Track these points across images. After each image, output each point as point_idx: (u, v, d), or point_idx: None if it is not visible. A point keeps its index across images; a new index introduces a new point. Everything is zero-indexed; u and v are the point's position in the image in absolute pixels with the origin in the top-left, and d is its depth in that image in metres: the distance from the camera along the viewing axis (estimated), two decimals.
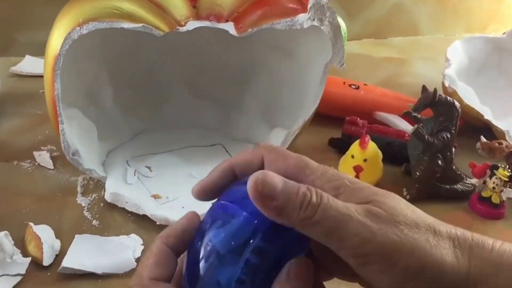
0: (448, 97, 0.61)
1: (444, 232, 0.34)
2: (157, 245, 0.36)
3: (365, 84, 0.79)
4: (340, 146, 0.72)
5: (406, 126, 0.74)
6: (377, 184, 0.64)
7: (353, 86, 0.78)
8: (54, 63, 0.55)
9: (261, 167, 0.37)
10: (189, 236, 0.35)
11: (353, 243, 0.32)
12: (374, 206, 0.34)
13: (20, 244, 0.54)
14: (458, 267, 0.33)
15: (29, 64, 0.90)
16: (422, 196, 0.64)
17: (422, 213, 0.35)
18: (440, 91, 0.62)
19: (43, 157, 0.69)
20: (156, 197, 0.61)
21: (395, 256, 0.32)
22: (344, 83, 0.79)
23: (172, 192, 0.62)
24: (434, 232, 0.34)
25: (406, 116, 0.65)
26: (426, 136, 0.61)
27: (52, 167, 0.67)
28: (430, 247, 0.33)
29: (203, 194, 0.38)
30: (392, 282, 0.33)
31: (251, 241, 0.32)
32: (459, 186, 0.65)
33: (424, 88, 0.62)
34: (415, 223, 0.34)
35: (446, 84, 0.76)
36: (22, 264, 0.51)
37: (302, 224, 0.33)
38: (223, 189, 0.36)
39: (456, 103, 0.61)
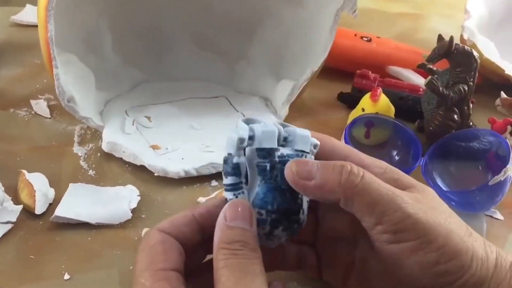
0: (466, 46, 0.57)
1: (474, 232, 0.36)
2: (183, 211, 0.37)
3: (377, 37, 0.76)
4: (350, 101, 0.69)
5: (420, 81, 0.70)
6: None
7: (365, 39, 0.75)
8: (47, 2, 0.52)
9: None
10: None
11: (393, 218, 0.33)
12: (414, 192, 0.36)
13: (13, 192, 0.52)
14: (487, 262, 0.34)
15: (29, 14, 0.87)
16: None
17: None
18: None
19: (40, 106, 0.66)
20: (154, 147, 0.58)
21: (431, 235, 0.33)
22: (355, 35, 0.75)
23: (172, 143, 0.59)
24: (466, 227, 0.35)
25: (421, 68, 0.62)
26: (440, 88, 0.57)
27: (49, 116, 0.65)
28: (465, 236, 0.34)
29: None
30: (422, 262, 0.33)
31: None
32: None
33: (440, 37, 0.59)
34: (451, 214, 0.36)
35: (465, 37, 0.72)
36: (13, 211, 0.49)
37: (346, 194, 0.34)
38: None
39: (475, 53, 0.57)
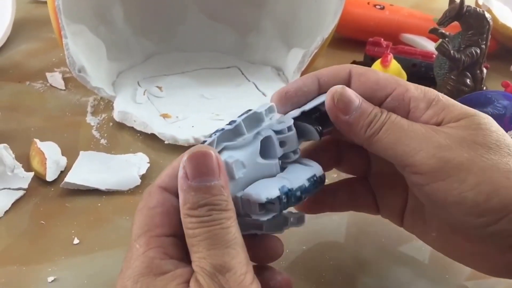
0: (478, 8, 0.56)
1: None
2: (178, 158, 0.33)
3: (391, 5, 0.74)
4: None
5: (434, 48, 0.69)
6: None
7: (378, 7, 0.74)
8: None
9: (347, 80, 0.36)
10: None
11: (417, 159, 0.31)
12: (459, 125, 0.33)
13: (25, 160, 0.53)
14: None
15: None
16: None
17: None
18: None
19: (55, 78, 0.67)
20: (165, 116, 0.59)
21: (464, 172, 0.30)
22: (368, 3, 0.74)
23: (182, 112, 0.60)
24: None
25: (433, 33, 0.61)
26: (451, 51, 0.56)
27: (64, 88, 0.66)
28: (507, 171, 0.31)
29: (283, 96, 0.36)
30: (459, 203, 0.31)
31: None
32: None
33: (451, 0, 0.58)
34: (497, 144, 0.32)
35: (480, 2, 0.70)
36: (24, 178, 0.50)
37: (368, 142, 0.33)
38: (306, 96, 0.36)
39: (487, 14, 0.56)
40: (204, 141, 0.31)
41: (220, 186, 0.29)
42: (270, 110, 0.34)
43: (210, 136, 0.31)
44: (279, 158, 0.34)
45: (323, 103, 0.35)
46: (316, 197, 0.38)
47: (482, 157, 0.31)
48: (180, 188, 0.29)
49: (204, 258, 0.28)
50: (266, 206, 0.31)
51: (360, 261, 0.44)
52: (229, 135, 0.32)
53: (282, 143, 0.34)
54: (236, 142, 0.32)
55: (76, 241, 0.45)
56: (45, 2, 0.86)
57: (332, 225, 0.48)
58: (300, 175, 0.34)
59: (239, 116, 0.33)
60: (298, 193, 0.33)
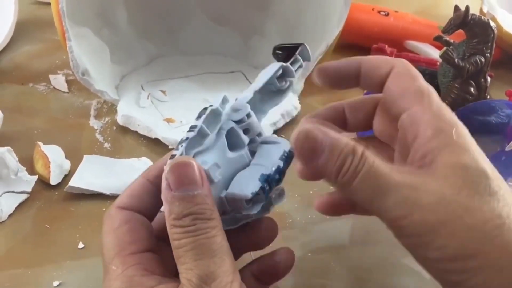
0: (483, 16, 0.56)
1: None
2: (137, 179, 0.34)
3: (395, 11, 0.74)
4: None
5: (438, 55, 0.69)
6: None
7: (382, 13, 0.73)
8: None
9: (385, 78, 0.35)
10: None
11: (391, 216, 0.29)
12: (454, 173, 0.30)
13: (29, 163, 0.53)
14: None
15: None
16: None
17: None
18: None
19: (59, 80, 0.67)
20: (169, 121, 0.59)
21: (429, 236, 0.29)
22: (372, 9, 0.74)
23: (186, 116, 0.60)
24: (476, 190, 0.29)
25: (437, 40, 0.61)
26: (456, 59, 0.56)
27: (67, 90, 0.66)
28: (480, 221, 0.29)
29: (324, 74, 0.36)
30: (427, 258, 0.30)
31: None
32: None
33: (456, 8, 0.57)
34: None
35: (485, 10, 0.70)
36: (28, 181, 0.50)
37: (341, 189, 0.31)
38: (345, 79, 0.36)
39: (492, 23, 0.56)
40: (173, 155, 0.31)
41: (204, 195, 0.29)
42: (224, 101, 0.34)
43: (177, 148, 0.31)
44: (247, 145, 0.35)
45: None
46: (336, 201, 0.37)
47: (454, 206, 0.29)
48: (164, 199, 0.29)
49: (191, 270, 0.28)
50: (252, 199, 0.32)
51: (364, 269, 0.44)
52: (195, 141, 0.32)
53: (245, 131, 0.35)
54: (203, 146, 0.32)
55: (81, 245, 0.45)
56: (48, 3, 0.86)
57: (336, 231, 0.48)
58: (272, 157, 0.34)
59: (197, 119, 0.33)
60: (277, 176, 0.33)
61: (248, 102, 0.35)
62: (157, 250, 0.32)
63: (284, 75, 0.37)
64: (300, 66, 0.38)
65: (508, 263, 0.28)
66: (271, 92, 0.38)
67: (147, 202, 0.33)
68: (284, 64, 0.37)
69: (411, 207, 0.29)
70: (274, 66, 0.36)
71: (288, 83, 0.38)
